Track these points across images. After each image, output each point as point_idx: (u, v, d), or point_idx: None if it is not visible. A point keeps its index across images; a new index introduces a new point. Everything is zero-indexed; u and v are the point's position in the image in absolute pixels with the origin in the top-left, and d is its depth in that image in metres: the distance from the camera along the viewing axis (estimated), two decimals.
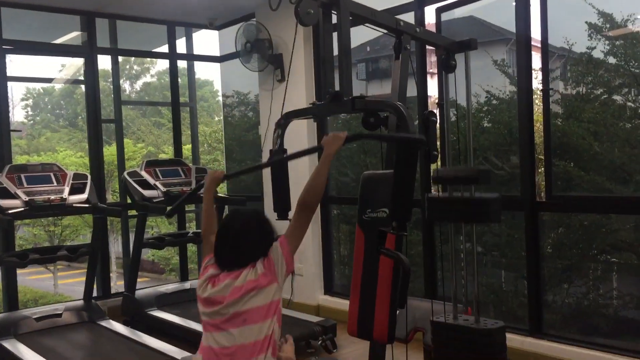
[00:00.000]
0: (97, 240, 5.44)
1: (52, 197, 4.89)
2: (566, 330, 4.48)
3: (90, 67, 5.97)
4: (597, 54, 4.60)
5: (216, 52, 7.19)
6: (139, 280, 5.69)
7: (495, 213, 3.00)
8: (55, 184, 5.04)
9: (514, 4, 4.32)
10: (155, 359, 4.19)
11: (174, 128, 6.79)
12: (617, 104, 4.60)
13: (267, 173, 6.03)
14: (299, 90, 5.72)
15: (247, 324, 2.13)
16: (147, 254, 13.42)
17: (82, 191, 5.12)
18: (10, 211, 4.68)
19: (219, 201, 5.66)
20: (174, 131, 6.78)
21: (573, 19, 4.74)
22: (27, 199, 4.76)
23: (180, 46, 6.83)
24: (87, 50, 5.96)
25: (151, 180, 5.53)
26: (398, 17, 3.28)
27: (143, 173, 5.59)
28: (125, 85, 20.94)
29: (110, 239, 10.20)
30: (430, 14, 4.89)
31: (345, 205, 6.23)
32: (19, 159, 12.66)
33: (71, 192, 5.04)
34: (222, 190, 7.80)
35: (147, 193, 5.42)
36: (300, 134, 5.68)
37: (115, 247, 12.42)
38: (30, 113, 21.97)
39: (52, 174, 5.10)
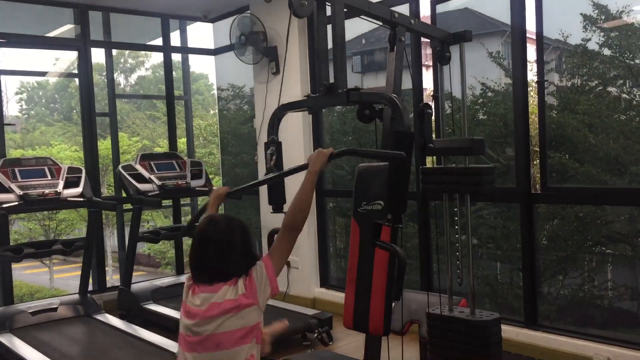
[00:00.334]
0: (93, 234, 5.44)
1: (47, 191, 4.88)
2: (561, 322, 4.50)
3: (84, 61, 5.94)
4: (592, 45, 4.60)
5: (211, 45, 7.16)
6: (134, 274, 5.69)
7: (489, 183, 2.99)
8: (49, 177, 5.02)
9: None
10: (151, 352, 4.19)
11: (168, 121, 6.77)
12: (612, 96, 4.61)
13: (262, 168, 6.02)
14: (294, 82, 5.70)
15: (221, 348, 1.98)
16: (143, 247, 13.41)
17: (76, 185, 5.11)
18: (4, 205, 4.67)
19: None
20: (169, 124, 6.76)
21: (568, 11, 4.73)
22: (21, 193, 4.74)
23: (175, 39, 6.80)
24: (81, 44, 5.93)
25: (146, 174, 5.52)
26: (393, 9, 3.27)
27: (138, 167, 5.58)
28: (120, 78, 20.85)
29: (106, 232, 10.17)
30: (425, 6, 4.88)
31: (340, 198, 6.23)
32: (13, 153, 12.59)
33: (66, 186, 5.03)
34: (218, 184, 7.79)
35: (142, 187, 5.41)
36: (296, 127, 5.67)
37: (111, 241, 12.39)
38: (24, 107, 21.86)
39: (46, 168, 5.08)
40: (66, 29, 6.21)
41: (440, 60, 3.39)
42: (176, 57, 7.02)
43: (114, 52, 6.63)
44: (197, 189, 5.78)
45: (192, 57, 7.26)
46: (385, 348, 3.20)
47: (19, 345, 4.39)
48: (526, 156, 4.30)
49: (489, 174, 2.98)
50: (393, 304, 3.18)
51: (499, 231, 5.21)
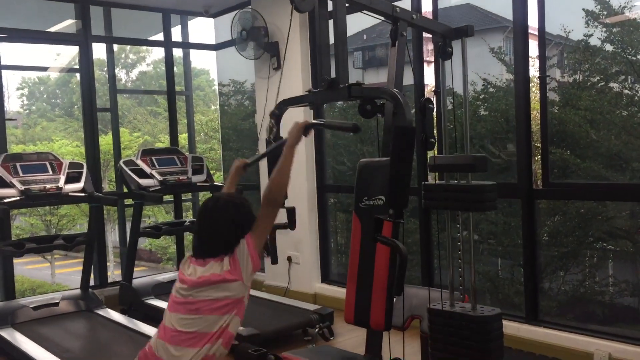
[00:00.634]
0: (94, 229, 5.44)
1: (48, 186, 4.88)
2: (562, 318, 4.51)
3: (85, 56, 5.94)
4: (594, 41, 4.59)
5: (212, 40, 7.16)
6: (136, 269, 5.69)
7: (491, 201, 3.00)
8: (51, 173, 5.02)
9: None
10: None
11: (169, 117, 6.77)
12: (614, 92, 4.60)
13: (263, 162, 6.02)
14: (295, 78, 5.70)
15: (199, 314, 2.12)
16: (144, 243, 13.42)
17: (78, 180, 5.11)
18: (5, 200, 4.67)
19: (214, 188, 5.66)
20: (170, 120, 6.75)
21: (570, 6, 4.72)
22: (22, 188, 4.74)
23: (176, 34, 6.79)
24: (82, 39, 5.93)
25: (147, 169, 5.52)
26: (394, 3, 3.27)
27: (139, 162, 5.58)
28: (121, 74, 20.81)
29: (107, 228, 10.17)
30: (426, 2, 4.86)
31: (342, 194, 6.23)
32: (14, 149, 12.60)
33: (67, 181, 5.03)
34: (219, 179, 7.80)
35: (143, 182, 5.41)
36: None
37: (112, 237, 12.41)
38: (25, 102, 21.86)
39: (47, 163, 5.08)
40: (67, 24, 6.21)
41: (442, 55, 3.38)
42: (177, 53, 7.02)
43: (115, 47, 6.62)
44: (198, 184, 5.78)
45: (193, 53, 7.25)
46: (387, 343, 3.21)
47: (21, 340, 4.40)
48: (528, 152, 4.29)
49: (491, 191, 2.99)
50: (394, 299, 3.18)
51: (500, 227, 5.21)
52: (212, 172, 6.29)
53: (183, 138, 7.67)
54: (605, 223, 4.65)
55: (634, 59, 4.42)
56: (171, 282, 5.64)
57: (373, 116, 2.95)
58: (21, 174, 4.85)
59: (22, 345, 4.28)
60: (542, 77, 4.19)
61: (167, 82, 6.70)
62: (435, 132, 3.44)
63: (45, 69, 13.71)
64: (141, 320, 4.86)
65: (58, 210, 12.82)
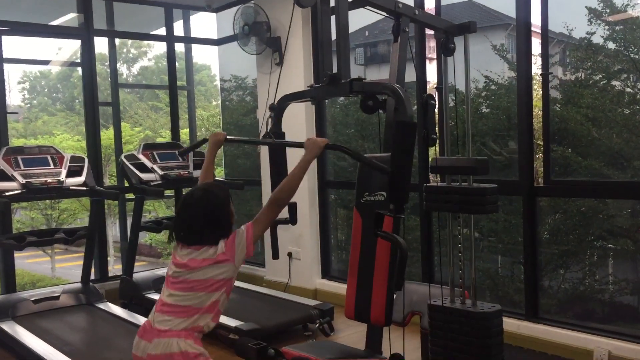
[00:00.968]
0: (95, 223, 5.44)
1: (49, 179, 4.88)
2: (562, 316, 4.51)
3: (87, 49, 5.94)
4: (597, 39, 4.59)
5: (214, 35, 7.15)
6: (136, 264, 5.70)
7: (492, 203, 3.01)
8: (52, 166, 5.02)
9: None
10: None
11: (171, 111, 6.77)
12: (616, 90, 4.59)
13: (265, 158, 6.03)
14: (297, 73, 5.69)
15: (193, 291, 2.29)
16: (145, 237, 13.43)
17: (79, 174, 5.11)
18: (7, 193, 4.67)
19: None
20: (172, 114, 6.75)
21: (573, 4, 4.72)
22: (24, 181, 4.74)
23: (178, 29, 6.78)
24: (84, 32, 5.92)
25: (149, 164, 5.52)
26: None
27: (140, 156, 5.58)
28: (123, 69, 20.79)
29: (108, 222, 10.19)
30: None
31: (342, 190, 6.23)
32: (15, 142, 12.59)
33: (68, 175, 5.03)
34: (220, 174, 7.79)
35: (144, 176, 5.41)
36: (299, 118, 5.67)
37: (113, 231, 12.42)
38: (27, 96, 21.85)
39: (49, 157, 5.08)
40: (69, 18, 6.20)
41: (444, 51, 3.37)
42: (179, 48, 7.01)
43: (117, 42, 6.61)
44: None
45: (194, 48, 7.26)
46: (387, 339, 3.21)
47: (22, 333, 4.41)
48: (529, 149, 4.30)
49: (493, 194, 3.00)
50: (395, 295, 3.19)
51: (501, 224, 5.21)
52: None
53: (184, 133, 7.67)
54: (606, 221, 4.65)
55: (637, 57, 4.41)
56: None
57: (374, 112, 2.95)
58: (22, 168, 4.85)
59: (23, 338, 4.30)
60: (545, 75, 4.18)
61: (169, 77, 6.69)
62: (437, 128, 3.43)
63: (47, 62, 13.70)
64: (142, 314, 4.87)
65: (59, 204, 12.83)
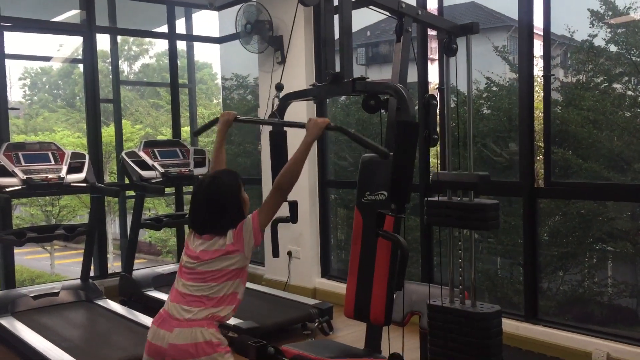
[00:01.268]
0: (95, 220, 5.44)
1: (50, 175, 4.88)
2: (561, 317, 4.51)
3: (89, 46, 5.93)
4: (599, 41, 4.59)
5: (216, 34, 7.15)
6: (135, 261, 5.70)
7: (494, 220, 3.03)
8: (53, 162, 5.02)
9: None
10: None
11: (172, 109, 6.77)
12: (617, 93, 4.60)
13: (266, 156, 6.03)
14: (299, 72, 5.70)
15: (206, 282, 2.32)
16: (144, 235, 13.43)
17: (80, 170, 5.11)
18: (7, 189, 4.67)
19: None
20: (173, 112, 6.75)
21: (575, 6, 4.72)
22: (24, 177, 4.74)
23: (180, 27, 6.78)
24: (86, 29, 5.92)
25: (149, 161, 5.52)
26: None
27: (141, 153, 5.58)
28: (124, 66, 20.80)
29: (107, 220, 10.19)
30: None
31: (342, 190, 6.23)
32: (16, 139, 12.56)
33: (69, 171, 5.03)
34: None
35: (145, 173, 5.41)
36: (300, 117, 5.65)
37: (112, 229, 12.41)
38: (27, 93, 21.86)
39: (50, 153, 5.08)
40: (72, 14, 6.20)
41: (447, 52, 3.38)
42: (180, 46, 7.01)
43: (119, 39, 6.61)
44: (200, 177, 5.78)
45: (195, 47, 7.25)
46: (386, 338, 3.21)
47: (21, 329, 4.41)
48: (530, 150, 4.30)
49: (494, 210, 3.01)
50: (394, 295, 3.19)
51: (500, 226, 5.21)
52: None
53: (185, 131, 7.67)
54: (606, 224, 4.65)
55: (638, 60, 4.42)
56: (171, 274, 5.70)
57: (376, 111, 2.95)
58: (23, 163, 4.85)
59: (22, 334, 4.30)
60: (547, 76, 4.19)
61: (171, 74, 6.69)
62: (438, 129, 3.43)
63: (49, 58, 13.69)
64: (141, 312, 4.88)
65: (59, 201, 12.83)
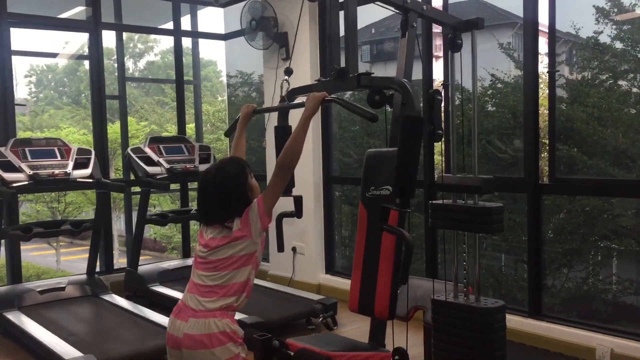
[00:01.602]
0: (101, 215, 5.47)
1: (56, 171, 4.91)
2: (565, 314, 4.52)
3: (95, 43, 5.96)
4: (604, 38, 4.58)
5: (221, 30, 7.17)
6: (140, 257, 5.73)
7: (498, 223, 3.04)
8: (59, 158, 5.05)
9: None
10: (156, 332, 4.23)
11: (177, 105, 6.79)
12: (622, 90, 4.59)
13: (271, 154, 6.04)
14: (304, 69, 5.71)
15: (217, 270, 2.34)
16: (149, 232, 13.47)
17: (86, 166, 5.14)
18: (14, 184, 4.70)
19: None
20: (178, 108, 6.78)
21: (580, 3, 4.71)
22: (31, 172, 4.77)
23: (185, 23, 6.80)
24: (92, 26, 5.95)
25: (155, 157, 5.55)
26: None
27: (147, 150, 5.60)
28: (129, 63, 20.85)
29: (113, 216, 10.24)
30: None
31: (347, 186, 6.24)
32: (22, 135, 12.64)
33: (75, 167, 5.06)
34: None
35: (150, 169, 5.44)
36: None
37: (118, 225, 12.46)
38: (33, 90, 21.94)
39: (56, 149, 5.11)
40: (77, 11, 6.22)
41: (452, 47, 3.38)
42: (186, 43, 7.03)
43: (124, 36, 6.64)
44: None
45: (200, 44, 7.27)
46: (390, 333, 3.23)
47: (27, 323, 4.45)
48: (535, 147, 4.30)
49: (499, 214, 3.02)
50: (398, 290, 3.20)
51: (505, 223, 5.20)
52: None
53: (190, 128, 7.68)
54: (611, 221, 4.65)
55: None
56: (176, 270, 5.74)
57: (381, 107, 2.96)
58: (30, 159, 4.88)
59: (28, 328, 4.33)
60: (552, 72, 4.18)
61: (176, 71, 6.71)
62: (442, 125, 3.44)
63: (55, 55, 13.73)
64: (146, 307, 4.90)
65: (65, 197, 12.88)
